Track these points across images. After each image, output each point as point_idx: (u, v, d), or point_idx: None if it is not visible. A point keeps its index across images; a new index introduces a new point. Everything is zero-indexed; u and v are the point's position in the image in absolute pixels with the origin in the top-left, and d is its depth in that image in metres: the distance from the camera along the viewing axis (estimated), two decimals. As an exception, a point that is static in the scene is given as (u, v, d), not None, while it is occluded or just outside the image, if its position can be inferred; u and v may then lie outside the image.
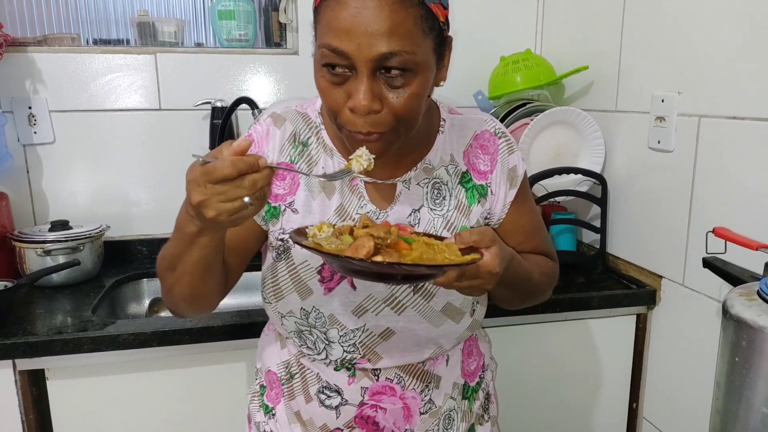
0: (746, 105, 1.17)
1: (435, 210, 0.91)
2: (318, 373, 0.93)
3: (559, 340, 1.46)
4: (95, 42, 1.73)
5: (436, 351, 0.94)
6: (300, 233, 0.78)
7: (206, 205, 0.68)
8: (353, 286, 0.88)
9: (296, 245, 0.83)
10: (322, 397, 0.93)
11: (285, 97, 1.75)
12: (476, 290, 0.78)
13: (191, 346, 1.22)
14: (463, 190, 0.93)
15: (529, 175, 1.50)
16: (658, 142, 1.39)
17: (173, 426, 1.28)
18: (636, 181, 1.50)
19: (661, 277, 1.43)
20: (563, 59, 1.74)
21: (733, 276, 1.11)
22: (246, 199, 0.68)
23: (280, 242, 0.90)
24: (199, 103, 1.65)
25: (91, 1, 1.71)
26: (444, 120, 0.94)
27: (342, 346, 0.90)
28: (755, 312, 0.76)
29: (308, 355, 0.93)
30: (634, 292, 1.45)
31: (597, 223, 1.59)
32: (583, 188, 1.58)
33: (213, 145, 1.67)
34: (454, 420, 0.99)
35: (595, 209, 1.62)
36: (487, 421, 1.06)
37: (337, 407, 0.93)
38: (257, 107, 1.62)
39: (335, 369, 0.92)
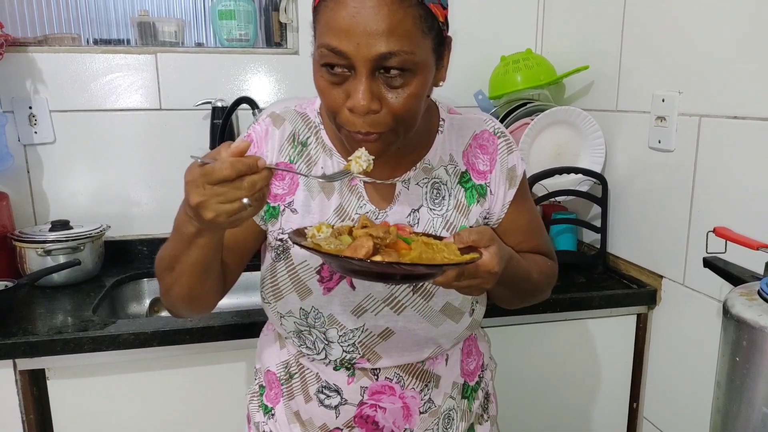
0: (747, 104, 1.16)
1: (434, 210, 0.91)
2: (317, 373, 0.93)
3: (560, 340, 1.46)
4: (96, 42, 1.73)
5: (435, 350, 0.94)
6: (299, 234, 0.78)
7: (205, 206, 0.68)
8: (352, 286, 0.88)
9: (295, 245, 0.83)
10: (322, 396, 0.93)
11: (285, 97, 1.75)
12: (475, 289, 0.79)
13: (192, 346, 1.22)
14: (463, 189, 0.93)
15: (529, 174, 1.51)
16: (659, 142, 1.39)
17: (173, 426, 1.28)
18: (636, 180, 1.50)
19: (661, 276, 1.43)
20: (564, 59, 1.74)
21: (733, 276, 1.11)
22: (245, 200, 0.68)
23: (279, 242, 0.90)
24: (200, 103, 1.66)
25: (91, 1, 1.71)
26: (443, 120, 0.94)
27: (341, 346, 0.90)
28: (756, 312, 0.76)
29: (307, 355, 0.94)
30: (634, 291, 1.45)
31: (597, 223, 1.59)
32: (584, 188, 1.58)
33: (213, 145, 1.67)
34: (453, 419, 0.99)
35: (596, 209, 1.62)
36: (487, 421, 1.06)
37: (336, 407, 0.93)
38: (258, 107, 1.62)
39: (334, 369, 0.92)
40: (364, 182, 0.90)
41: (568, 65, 1.68)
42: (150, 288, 1.61)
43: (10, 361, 1.16)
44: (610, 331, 1.48)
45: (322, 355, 0.91)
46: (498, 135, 0.95)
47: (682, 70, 1.32)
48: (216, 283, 0.86)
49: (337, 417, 0.93)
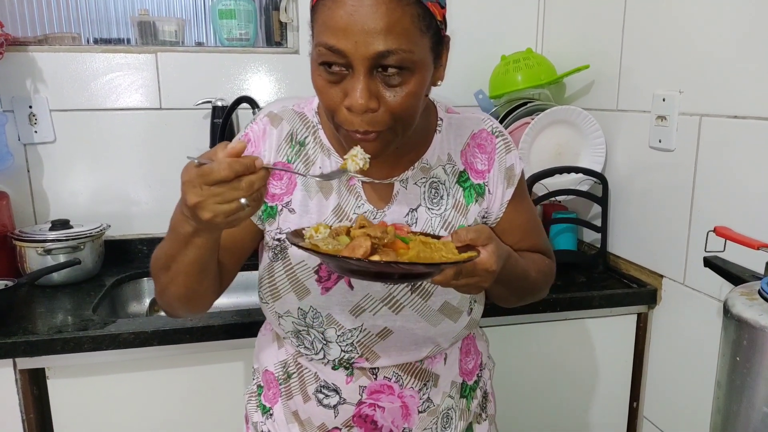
0: (747, 104, 1.16)
1: (432, 209, 0.91)
2: (316, 373, 0.93)
3: (560, 340, 1.46)
4: (96, 41, 1.74)
5: (433, 350, 0.93)
6: (297, 235, 0.78)
7: (202, 206, 0.68)
8: (351, 286, 0.88)
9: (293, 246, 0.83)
10: (320, 396, 0.93)
11: (286, 96, 1.75)
12: (473, 288, 0.78)
13: (191, 345, 1.23)
14: (461, 189, 0.93)
15: (530, 174, 1.51)
16: (659, 141, 1.38)
17: (173, 425, 1.28)
18: (637, 180, 1.49)
19: (661, 276, 1.43)
20: (564, 58, 1.74)
21: (734, 275, 1.11)
22: (242, 200, 0.67)
23: (276, 242, 0.90)
24: (200, 102, 1.66)
25: (91, 1, 1.71)
26: (441, 119, 0.94)
27: (340, 346, 0.90)
28: (756, 311, 0.76)
29: (306, 354, 0.93)
30: (634, 291, 1.45)
31: (598, 223, 1.59)
32: (584, 187, 1.58)
33: (213, 144, 1.67)
34: (452, 418, 0.99)
35: (596, 208, 1.62)
36: (485, 420, 1.06)
37: (335, 406, 0.93)
38: (258, 106, 1.62)
39: (333, 368, 0.92)
40: (362, 182, 0.90)
41: (569, 65, 1.68)
42: (150, 287, 1.61)
43: (10, 361, 1.16)
44: (610, 330, 1.48)
45: (321, 355, 0.91)
46: (496, 134, 0.95)
47: (682, 70, 1.31)
48: (212, 282, 0.86)
49: (335, 416, 0.93)
